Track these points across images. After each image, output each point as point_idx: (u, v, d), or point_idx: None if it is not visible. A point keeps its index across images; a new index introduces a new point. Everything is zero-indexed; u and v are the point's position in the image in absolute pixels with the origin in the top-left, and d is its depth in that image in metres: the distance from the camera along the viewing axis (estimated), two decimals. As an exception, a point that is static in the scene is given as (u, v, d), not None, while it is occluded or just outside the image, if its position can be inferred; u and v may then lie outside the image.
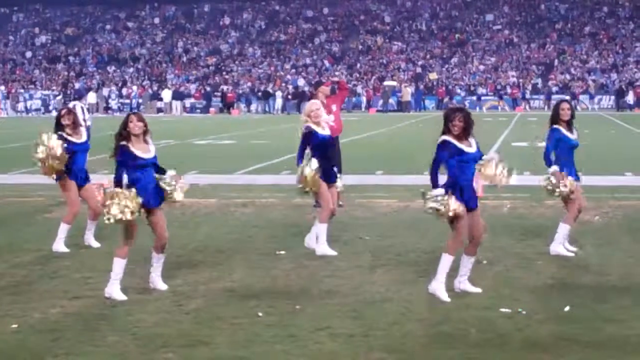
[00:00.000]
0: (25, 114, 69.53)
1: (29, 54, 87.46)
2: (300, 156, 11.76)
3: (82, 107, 16.31)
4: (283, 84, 73.02)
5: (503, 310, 8.74)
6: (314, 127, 11.77)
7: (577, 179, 11.65)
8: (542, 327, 8.18)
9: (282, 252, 11.78)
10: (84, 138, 12.64)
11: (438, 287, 9.21)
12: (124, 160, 9.49)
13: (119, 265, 9.50)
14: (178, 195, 9.88)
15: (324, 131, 11.87)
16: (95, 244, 12.41)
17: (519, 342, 7.70)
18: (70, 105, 16.06)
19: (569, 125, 11.67)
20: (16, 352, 7.58)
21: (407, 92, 68.01)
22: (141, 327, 8.31)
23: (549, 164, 11.50)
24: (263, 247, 12.38)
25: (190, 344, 7.73)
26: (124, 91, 75.70)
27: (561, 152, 11.59)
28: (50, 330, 8.24)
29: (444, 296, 9.14)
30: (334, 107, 16.74)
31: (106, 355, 7.46)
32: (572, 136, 11.64)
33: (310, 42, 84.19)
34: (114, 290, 9.43)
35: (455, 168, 9.19)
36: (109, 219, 9.23)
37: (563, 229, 11.59)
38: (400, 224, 14.30)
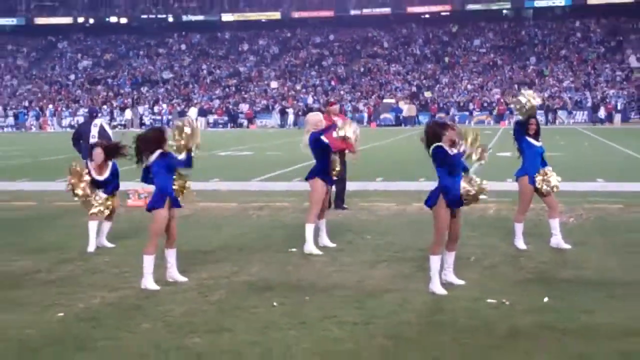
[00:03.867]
0: (70, 129, 69.60)
1: (72, 77, 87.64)
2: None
3: (105, 124, 16.29)
4: (295, 102, 73.08)
5: (489, 301, 8.72)
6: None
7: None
8: (524, 316, 8.16)
9: (294, 250, 11.76)
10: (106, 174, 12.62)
11: (435, 287, 9.19)
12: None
13: (148, 262, 9.57)
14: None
15: (325, 139, 11.92)
16: (110, 245, 12.44)
17: (503, 330, 7.68)
18: (97, 122, 16.03)
19: (536, 135, 11.94)
20: (62, 337, 7.59)
21: (413, 109, 68.06)
22: (171, 315, 8.31)
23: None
24: (277, 245, 12.38)
25: (215, 330, 7.73)
26: (156, 109, 75.83)
27: (527, 157, 11.85)
28: (91, 318, 8.25)
29: (442, 291, 9.13)
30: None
31: (140, 340, 7.46)
32: (537, 144, 11.91)
33: (318, 65, 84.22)
34: (148, 282, 9.53)
35: (446, 172, 9.19)
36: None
37: (556, 223, 11.86)
38: (398, 225, 14.28)
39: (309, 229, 11.74)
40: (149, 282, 9.54)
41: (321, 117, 12.11)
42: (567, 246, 11.69)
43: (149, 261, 9.61)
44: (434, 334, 7.61)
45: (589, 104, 67.67)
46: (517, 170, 11.99)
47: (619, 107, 66.22)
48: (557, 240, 11.82)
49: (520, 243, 11.82)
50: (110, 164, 12.31)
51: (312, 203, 11.85)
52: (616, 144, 36.33)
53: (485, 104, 70.90)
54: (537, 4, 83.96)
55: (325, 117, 17.37)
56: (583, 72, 74.85)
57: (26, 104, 79.92)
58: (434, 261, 9.23)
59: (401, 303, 8.72)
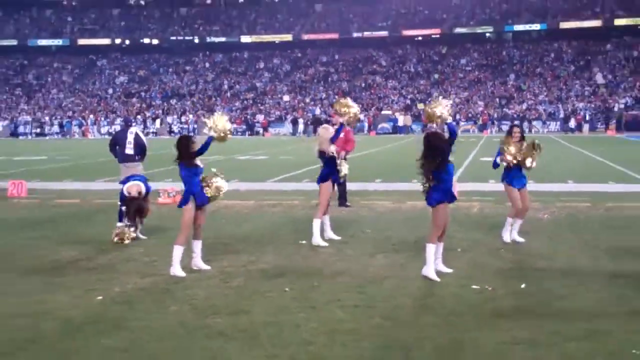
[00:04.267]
0: (107, 136, 69.71)
1: (110, 91, 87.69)
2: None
3: (139, 132, 16.26)
4: (304, 113, 73.07)
5: (474, 287, 8.72)
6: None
7: (524, 184, 11.77)
8: (504, 300, 8.16)
9: (304, 242, 11.75)
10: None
11: (429, 271, 9.19)
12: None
13: (178, 252, 9.58)
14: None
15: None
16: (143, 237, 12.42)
17: (487, 312, 7.68)
18: (132, 130, 16.01)
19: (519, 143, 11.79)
20: (100, 317, 7.59)
21: (409, 119, 68.21)
22: (196, 299, 8.31)
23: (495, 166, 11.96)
24: (289, 238, 12.37)
25: (234, 312, 7.73)
26: (183, 119, 75.81)
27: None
28: (126, 301, 8.26)
29: (435, 277, 9.13)
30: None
31: (169, 320, 7.47)
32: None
33: (325, 80, 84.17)
34: (176, 270, 9.52)
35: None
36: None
37: (509, 221, 11.81)
38: (394, 221, 14.28)
39: (316, 224, 11.76)
40: (177, 270, 9.55)
41: (331, 130, 12.01)
42: (510, 239, 11.70)
43: (178, 251, 9.62)
44: (426, 315, 7.61)
45: (561, 115, 67.58)
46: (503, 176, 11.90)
47: (587, 118, 66.10)
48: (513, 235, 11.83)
49: (506, 235, 11.77)
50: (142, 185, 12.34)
51: (321, 202, 11.87)
52: (585, 150, 36.28)
53: (470, 115, 70.82)
54: (516, 28, 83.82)
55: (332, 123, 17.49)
56: (556, 87, 74.72)
57: (70, 114, 80.00)
58: (430, 249, 9.23)
59: (397, 288, 8.72)
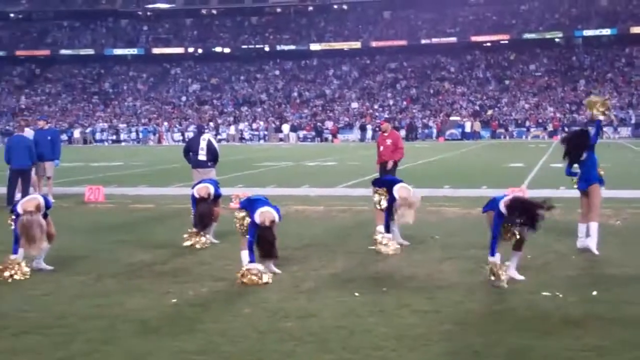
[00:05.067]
0: (181, 143, 70.58)
1: (184, 98, 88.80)
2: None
3: (212, 138, 16.47)
4: (373, 119, 73.00)
5: (544, 293, 8.60)
6: None
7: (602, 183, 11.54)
8: (575, 307, 8.03)
9: (373, 247, 11.73)
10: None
11: (512, 272, 9.25)
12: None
13: (245, 255, 9.61)
14: None
15: None
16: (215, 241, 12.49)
17: (557, 319, 7.57)
18: (205, 137, 16.19)
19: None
20: (175, 320, 7.70)
21: (478, 125, 67.76)
22: (268, 302, 8.36)
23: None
24: (358, 243, 12.37)
25: (304, 315, 7.76)
26: (254, 125, 76.43)
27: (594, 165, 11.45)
28: (200, 304, 8.35)
29: (519, 277, 9.25)
30: (388, 141, 16.94)
31: (242, 323, 7.53)
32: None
33: (393, 87, 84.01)
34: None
35: None
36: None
37: (595, 227, 11.40)
38: (463, 226, 14.17)
39: (380, 229, 11.73)
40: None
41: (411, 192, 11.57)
42: (595, 251, 11.19)
43: (245, 255, 9.67)
44: (495, 321, 7.54)
45: (633, 121, 66.32)
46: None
47: (659, 124, 64.96)
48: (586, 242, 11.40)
49: (592, 243, 11.31)
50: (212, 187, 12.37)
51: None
52: (657, 156, 35.54)
53: (540, 121, 69.98)
54: (585, 33, 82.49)
55: (380, 134, 17.51)
56: (627, 92, 73.32)
57: (145, 121, 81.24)
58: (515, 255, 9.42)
59: (466, 294, 8.65)
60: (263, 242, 9.38)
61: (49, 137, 19.53)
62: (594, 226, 11.29)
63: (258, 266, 9.42)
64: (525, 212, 8.82)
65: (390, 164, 17.44)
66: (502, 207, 8.98)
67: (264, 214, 9.46)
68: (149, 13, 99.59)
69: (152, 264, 10.84)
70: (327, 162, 35.67)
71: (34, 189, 18.35)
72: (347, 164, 34.23)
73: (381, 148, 17.54)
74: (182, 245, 12.12)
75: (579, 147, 11.42)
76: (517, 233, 9.04)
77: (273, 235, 9.47)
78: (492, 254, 9.09)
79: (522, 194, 9.42)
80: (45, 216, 10.00)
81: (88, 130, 77.43)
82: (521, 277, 9.35)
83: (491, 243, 9.15)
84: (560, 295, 8.52)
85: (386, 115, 72.17)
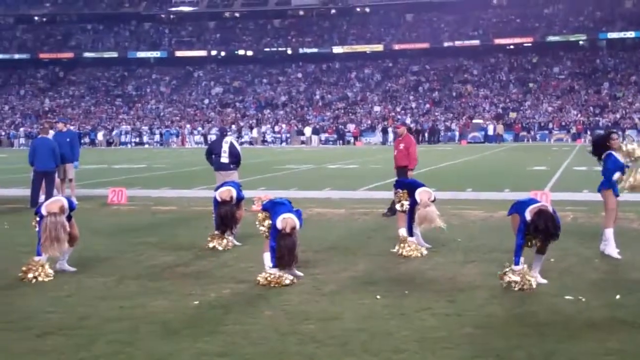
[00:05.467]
0: (204, 145, 70.79)
1: (206, 101, 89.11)
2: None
3: (234, 141, 16.48)
4: (395, 122, 72.91)
5: (567, 297, 8.55)
6: None
7: (617, 194, 11.41)
8: (598, 311, 7.99)
9: (394, 250, 11.72)
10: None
11: (535, 275, 9.19)
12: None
13: (267, 258, 9.67)
14: None
15: None
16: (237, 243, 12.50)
17: (580, 322, 7.53)
18: (227, 139, 16.20)
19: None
20: (197, 321, 7.72)
21: (501, 128, 67.50)
22: (289, 304, 8.38)
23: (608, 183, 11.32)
24: (379, 246, 12.36)
25: (326, 318, 7.76)
26: (276, 128, 76.56)
27: (613, 172, 11.27)
28: (222, 305, 8.37)
29: (542, 280, 9.20)
30: (401, 145, 16.79)
31: (263, 325, 7.54)
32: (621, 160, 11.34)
33: (415, 90, 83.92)
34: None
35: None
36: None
37: (609, 234, 11.32)
38: (485, 230, 14.13)
39: (402, 232, 11.72)
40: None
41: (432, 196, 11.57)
42: (616, 255, 11.15)
43: (267, 258, 9.69)
44: (517, 325, 7.51)
45: (656, 124, 65.97)
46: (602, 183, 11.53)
47: (684, 127, 64.49)
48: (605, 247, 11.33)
49: (609, 249, 11.25)
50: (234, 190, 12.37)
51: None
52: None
53: (564, 124, 69.67)
54: (609, 35, 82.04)
55: (396, 139, 17.44)
56: (651, 95, 72.93)
57: (168, 123, 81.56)
58: (538, 258, 9.37)
59: (488, 298, 8.62)
60: (281, 249, 9.24)
61: (67, 139, 19.66)
62: (607, 232, 11.23)
63: (278, 271, 9.40)
64: (548, 229, 8.87)
65: (409, 173, 17.10)
66: (527, 216, 8.95)
67: (285, 220, 9.39)
68: (172, 16, 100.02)
69: (174, 265, 10.87)
70: (349, 165, 35.64)
71: (57, 191, 18.47)
72: (369, 166, 34.21)
73: (395, 152, 17.51)
74: (204, 247, 12.17)
75: (596, 146, 11.53)
76: (540, 241, 9.04)
77: (293, 242, 9.29)
78: (517, 263, 9.05)
79: (548, 206, 9.31)
80: (69, 218, 10.07)
81: (114, 132, 77.82)
82: (544, 281, 9.29)
83: (516, 251, 9.10)
84: (583, 299, 8.47)
85: (408, 119, 72.10)
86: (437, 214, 10.67)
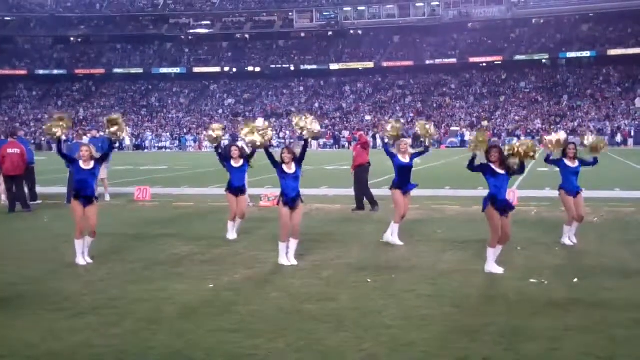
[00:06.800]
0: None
1: (220, 111, 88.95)
2: (387, 151, 11.89)
3: (244, 145, 16.45)
4: (382, 129, 72.87)
5: (532, 280, 8.57)
6: (399, 155, 11.76)
7: (578, 192, 11.40)
8: (558, 292, 8.00)
9: (383, 240, 11.70)
10: (240, 164, 12.69)
11: (491, 267, 9.08)
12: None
13: (282, 247, 9.74)
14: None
15: (404, 160, 11.79)
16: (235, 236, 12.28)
17: (543, 302, 7.54)
18: (238, 144, 16.22)
19: (574, 158, 11.47)
20: (212, 302, 7.72)
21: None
22: (292, 287, 8.38)
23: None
24: (371, 236, 12.36)
25: (324, 299, 7.76)
26: (281, 134, 76.48)
27: (565, 175, 11.40)
28: (234, 289, 8.37)
29: (498, 270, 9.04)
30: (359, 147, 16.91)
31: (270, 305, 7.54)
32: (574, 165, 11.43)
33: (401, 101, 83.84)
34: (282, 259, 9.78)
35: (491, 185, 9.09)
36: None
37: (565, 228, 11.38)
38: (462, 222, 14.14)
39: (396, 227, 11.67)
40: (283, 259, 9.76)
41: (407, 142, 11.96)
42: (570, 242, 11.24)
43: (282, 247, 9.80)
44: (490, 304, 7.52)
45: (609, 131, 65.86)
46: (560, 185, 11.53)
47: (632, 134, 64.50)
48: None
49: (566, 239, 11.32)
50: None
51: (396, 209, 11.77)
52: (630, 162, 35.31)
53: (529, 131, 69.64)
54: (569, 54, 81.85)
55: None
56: (604, 106, 72.85)
57: (186, 130, 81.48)
58: (490, 252, 9.13)
59: (464, 281, 8.63)
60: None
61: (100, 144, 19.66)
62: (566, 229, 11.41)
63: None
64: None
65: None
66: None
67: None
68: (190, 37, 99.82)
69: (192, 254, 10.86)
70: (343, 166, 35.59)
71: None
72: (361, 168, 34.07)
73: (354, 153, 17.81)
74: (218, 237, 12.16)
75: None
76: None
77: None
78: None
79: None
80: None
81: (150, 139, 77.75)
82: (500, 270, 9.10)
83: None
84: (546, 282, 8.48)
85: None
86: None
